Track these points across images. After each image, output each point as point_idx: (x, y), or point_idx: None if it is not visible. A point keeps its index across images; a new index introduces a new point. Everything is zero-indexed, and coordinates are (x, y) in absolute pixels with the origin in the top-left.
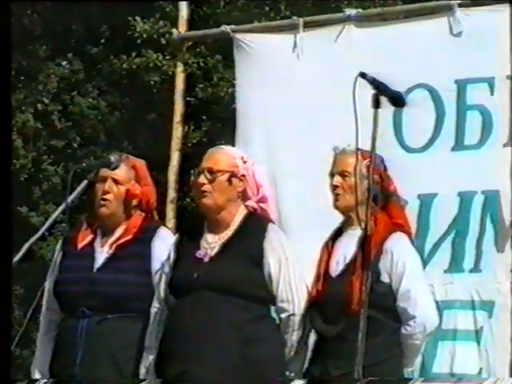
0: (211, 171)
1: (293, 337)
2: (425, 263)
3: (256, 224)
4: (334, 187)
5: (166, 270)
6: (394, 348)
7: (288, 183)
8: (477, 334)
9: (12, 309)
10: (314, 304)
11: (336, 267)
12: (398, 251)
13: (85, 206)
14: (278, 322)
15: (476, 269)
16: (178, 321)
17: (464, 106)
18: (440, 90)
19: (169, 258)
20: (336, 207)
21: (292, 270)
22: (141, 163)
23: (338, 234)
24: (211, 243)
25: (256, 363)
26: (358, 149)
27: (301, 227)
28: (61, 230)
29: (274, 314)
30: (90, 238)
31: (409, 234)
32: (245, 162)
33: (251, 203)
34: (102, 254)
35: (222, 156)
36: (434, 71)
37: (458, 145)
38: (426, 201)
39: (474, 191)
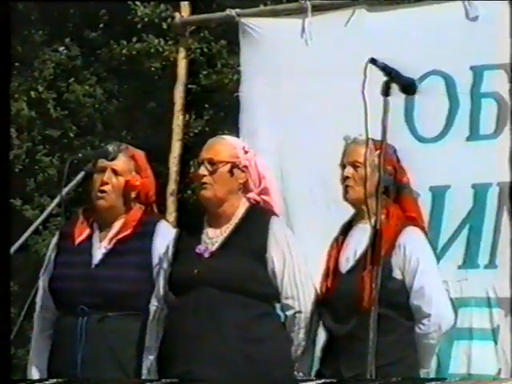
0: (212, 162)
1: (299, 335)
2: (438, 259)
3: (259, 217)
4: (345, 178)
5: (165, 265)
6: (408, 348)
7: (295, 175)
8: (493, 333)
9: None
10: (324, 302)
11: (346, 263)
12: (411, 246)
13: (82, 199)
14: (283, 319)
15: (492, 264)
16: (179, 319)
17: (479, 93)
18: (455, 77)
19: (167, 253)
20: (346, 199)
21: (297, 265)
22: (141, 154)
23: (348, 228)
24: (212, 238)
25: (261, 363)
26: (368, 138)
27: (309, 221)
28: (56, 223)
29: (279, 312)
30: (87, 232)
31: (422, 228)
32: (246, 153)
33: (253, 195)
34: (101, 249)
35: (222, 146)
36: (449, 57)
37: (473, 134)
38: (438, 193)
39: (489, 183)
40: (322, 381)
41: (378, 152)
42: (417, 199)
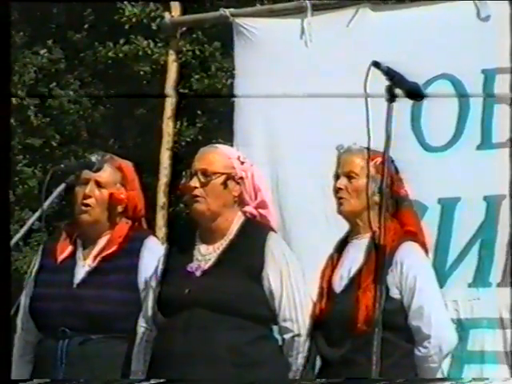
0: (205, 173)
1: (298, 360)
2: (447, 276)
3: (255, 233)
4: (338, 190)
5: (153, 284)
6: (408, 372)
7: (293, 187)
8: (507, 356)
9: None
10: (318, 324)
11: (340, 282)
12: (409, 263)
13: (65, 213)
14: (281, 343)
15: (505, 282)
16: (168, 342)
17: (491, 98)
18: (465, 81)
19: (156, 271)
20: (340, 212)
21: (296, 284)
22: (128, 164)
23: (343, 244)
24: (205, 255)
25: None
26: (368, 148)
27: (307, 236)
28: (38, 239)
29: (276, 335)
30: (69, 249)
31: (422, 244)
32: (242, 163)
33: (249, 209)
34: (84, 267)
35: (216, 156)
36: (459, 60)
37: (485, 142)
38: (447, 206)
39: (502, 195)
40: (324, 381)
41: (374, 162)
42: (417, 213)
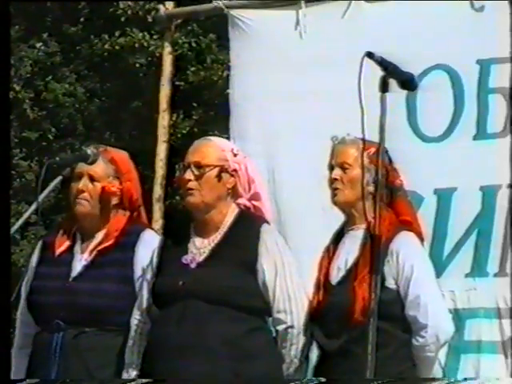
0: (198, 166)
1: (291, 351)
2: (444, 267)
3: (249, 225)
4: (333, 180)
5: (148, 276)
6: (406, 361)
7: (288, 179)
8: (504, 346)
9: None
10: (315, 316)
11: (337, 274)
12: (405, 252)
13: (61, 206)
14: (274, 334)
15: (502, 272)
16: (163, 334)
17: (487, 89)
18: (460, 72)
19: (151, 263)
20: (335, 203)
21: (290, 276)
22: (122, 155)
23: (340, 235)
24: (200, 248)
25: (251, 381)
26: (363, 138)
27: (303, 228)
28: (34, 232)
29: (270, 326)
30: (68, 242)
31: (418, 233)
32: (235, 155)
33: (243, 201)
34: (81, 261)
35: (209, 149)
36: (454, 51)
37: (480, 133)
38: (444, 196)
39: (498, 185)
40: (322, 380)
41: (367, 152)
42: (411, 202)
